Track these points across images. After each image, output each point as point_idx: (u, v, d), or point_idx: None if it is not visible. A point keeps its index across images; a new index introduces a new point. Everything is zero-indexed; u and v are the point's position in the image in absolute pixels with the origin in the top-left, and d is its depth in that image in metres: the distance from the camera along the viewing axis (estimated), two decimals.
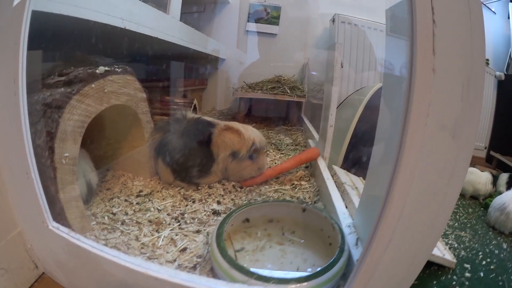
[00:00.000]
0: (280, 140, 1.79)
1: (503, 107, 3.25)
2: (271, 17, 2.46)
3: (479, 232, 1.44)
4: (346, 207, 0.85)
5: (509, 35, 3.14)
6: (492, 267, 1.01)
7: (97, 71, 0.78)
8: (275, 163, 1.37)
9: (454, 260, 0.98)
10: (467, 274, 0.98)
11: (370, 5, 2.60)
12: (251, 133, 1.10)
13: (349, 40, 2.28)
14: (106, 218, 0.87)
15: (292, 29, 2.49)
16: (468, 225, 1.51)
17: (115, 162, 1.15)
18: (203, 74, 2.55)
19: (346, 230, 0.72)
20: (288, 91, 2.00)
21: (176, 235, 0.82)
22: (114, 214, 0.90)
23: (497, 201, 1.74)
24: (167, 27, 1.28)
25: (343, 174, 1.16)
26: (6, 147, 0.65)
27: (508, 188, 2.18)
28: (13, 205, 0.68)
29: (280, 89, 2.03)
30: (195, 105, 1.68)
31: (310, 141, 1.57)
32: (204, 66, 2.46)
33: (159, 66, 2.08)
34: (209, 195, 1.06)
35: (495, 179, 2.26)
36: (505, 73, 3.18)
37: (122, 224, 0.85)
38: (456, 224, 1.46)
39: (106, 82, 0.80)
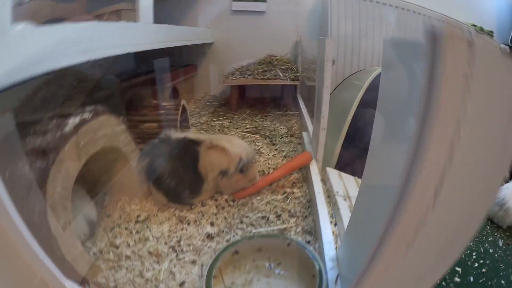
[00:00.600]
0: (274, 130, 1.77)
1: None
2: None
3: None
4: (333, 231, 0.86)
5: None
6: (484, 270, 1.02)
7: (66, 129, 0.76)
8: (268, 163, 1.38)
9: None
10: (457, 279, 0.99)
11: None
12: (238, 148, 1.09)
13: (344, 13, 2.14)
14: (111, 253, 0.92)
15: (281, 3, 2.35)
16: None
17: (110, 187, 1.17)
18: (192, 60, 2.47)
19: (328, 265, 0.73)
20: (281, 74, 1.93)
21: (175, 266, 0.88)
22: (117, 247, 0.95)
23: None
24: (139, 36, 1.22)
25: (336, 179, 1.16)
26: None
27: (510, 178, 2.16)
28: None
29: (272, 73, 1.96)
30: (183, 106, 1.65)
31: (304, 134, 1.55)
32: (191, 53, 2.37)
33: (142, 66, 2.02)
34: (203, 215, 1.09)
35: None
36: (510, 45, 3.01)
37: (126, 259, 0.90)
38: None
39: (80, 136, 0.79)
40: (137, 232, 1.01)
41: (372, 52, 2.24)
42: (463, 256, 1.08)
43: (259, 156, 1.46)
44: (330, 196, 1.10)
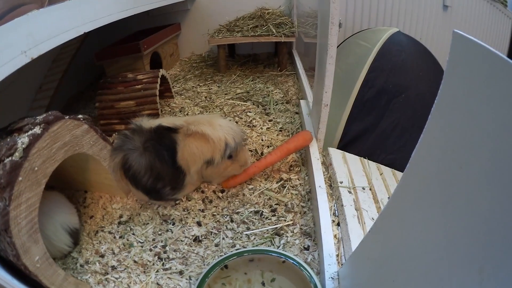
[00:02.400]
0: (268, 95, 1.61)
1: None
2: None
3: None
4: (335, 235, 0.76)
5: None
6: None
7: (16, 154, 0.64)
8: (262, 139, 1.25)
9: None
10: None
11: None
12: (221, 131, 0.95)
13: None
14: (97, 264, 0.87)
15: None
16: None
17: (89, 186, 1.08)
18: (174, 18, 2.22)
19: (328, 284, 0.64)
20: (274, 30, 1.72)
21: (162, 278, 0.82)
22: (102, 256, 0.89)
23: None
24: (94, 10, 1.03)
25: (340, 164, 1.04)
26: None
27: None
28: None
29: (264, 28, 1.74)
30: (163, 76, 1.48)
31: (302, 103, 1.38)
32: (172, 10, 2.12)
33: (117, 33, 1.81)
34: (188, 212, 0.99)
35: None
36: None
37: (113, 270, 0.85)
38: None
39: (32, 159, 0.67)
40: (120, 236, 0.95)
41: (385, 10, 2.05)
42: None
43: (251, 131, 1.33)
44: (332, 186, 0.99)
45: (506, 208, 0.24)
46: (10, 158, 0.63)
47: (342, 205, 0.85)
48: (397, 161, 1.17)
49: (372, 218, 0.84)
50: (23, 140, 0.66)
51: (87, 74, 2.03)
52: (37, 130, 0.69)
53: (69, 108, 1.75)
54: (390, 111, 1.18)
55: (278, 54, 1.89)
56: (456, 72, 0.32)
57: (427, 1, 2.30)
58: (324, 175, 0.98)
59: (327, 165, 1.08)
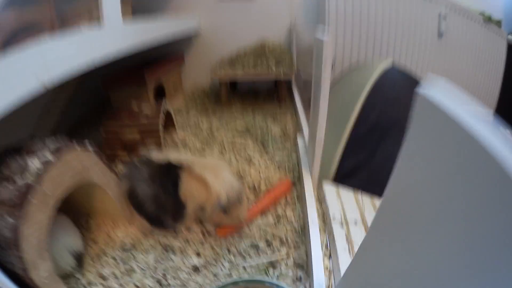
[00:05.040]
0: (267, 131, 1.74)
1: None
2: None
3: None
4: (327, 266, 0.85)
5: None
6: None
7: (29, 177, 0.74)
8: (260, 176, 1.36)
9: None
10: None
11: None
12: (220, 184, 1.04)
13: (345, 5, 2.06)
14: (99, 285, 0.95)
15: None
16: None
17: (94, 212, 1.18)
18: (178, 49, 2.40)
19: None
20: (273, 67, 1.87)
21: None
22: (105, 279, 0.98)
23: None
24: (104, 44, 1.16)
25: (333, 198, 1.14)
26: None
27: None
28: None
29: (264, 65, 1.90)
30: (168, 112, 1.62)
31: (299, 141, 1.51)
32: (177, 42, 2.29)
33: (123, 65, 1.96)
34: (188, 242, 1.09)
35: None
36: None
37: None
38: None
39: (45, 184, 0.77)
40: (123, 262, 1.03)
41: (381, 39, 2.19)
42: None
43: (250, 168, 1.44)
44: (325, 221, 1.09)
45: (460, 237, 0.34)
46: (23, 179, 0.74)
47: (334, 239, 0.95)
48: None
49: None
50: (36, 164, 0.76)
51: (93, 98, 2.17)
52: (50, 157, 0.79)
53: (75, 131, 1.87)
54: (383, 146, 1.30)
55: (278, 89, 2.03)
56: (417, 133, 0.42)
57: (423, 29, 2.44)
58: (317, 210, 1.08)
59: (320, 200, 1.19)
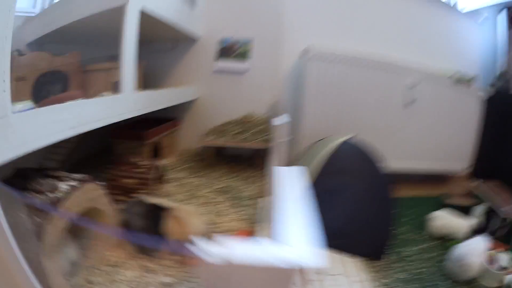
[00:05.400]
0: (242, 191, 2.10)
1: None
2: (240, 52, 2.73)
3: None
4: None
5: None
6: None
7: (59, 194, 1.07)
8: (225, 223, 1.69)
9: None
10: None
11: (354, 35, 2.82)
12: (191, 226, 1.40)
13: (323, 77, 2.47)
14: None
15: (262, 63, 2.76)
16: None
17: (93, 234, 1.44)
18: (177, 114, 2.83)
19: None
20: (252, 138, 2.28)
21: None
22: (91, 283, 1.25)
23: (454, 252, 1.94)
24: (121, 107, 1.55)
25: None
26: None
27: (487, 219, 2.49)
28: None
29: (245, 135, 2.30)
30: (157, 167, 1.97)
31: (260, 201, 1.85)
32: (177, 107, 2.71)
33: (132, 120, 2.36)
34: (162, 266, 1.38)
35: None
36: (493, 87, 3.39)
37: None
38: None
39: (69, 200, 1.09)
40: (109, 274, 1.30)
41: (352, 112, 2.56)
42: None
43: (218, 219, 1.77)
44: None
45: None
46: (53, 194, 1.05)
47: None
48: (344, 246, 1.68)
49: None
50: (64, 186, 1.10)
51: (98, 143, 2.53)
52: (75, 183, 1.13)
53: (80, 167, 2.14)
54: (336, 205, 1.69)
55: (257, 157, 2.42)
56: None
57: (390, 100, 2.72)
58: None
59: None
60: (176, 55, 2.84)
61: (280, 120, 1.46)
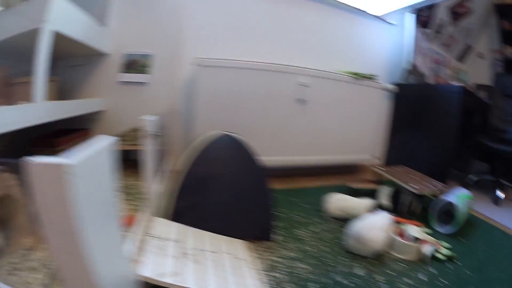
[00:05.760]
0: (136, 185, 2.44)
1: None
2: (142, 66, 3.10)
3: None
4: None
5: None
6: None
7: None
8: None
9: None
10: None
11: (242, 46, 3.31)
12: None
13: (214, 84, 2.88)
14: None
15: (162, 75, 3.15)
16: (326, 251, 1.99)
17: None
18: (86, 125, 3.08)
19: None
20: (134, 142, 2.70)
21: None
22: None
23: (352, 228, 2.02)
24: (31, 114, 1.81)
25: (161, 225, 1.80)
26: None
27: (392, 202, 2.79)
28: None
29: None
30: None
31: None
32: (86, 118, 2.96)
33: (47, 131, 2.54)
34: None
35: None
36: (400, 83, 4.07)
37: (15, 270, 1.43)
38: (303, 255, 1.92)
39: None
40: (25, 257, 1.51)
41: (247, 111, 2.99)
42: None
43: None
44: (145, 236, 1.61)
45: None
46: None
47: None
48: (216, 228, 1.91)
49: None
50: None
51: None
52: None
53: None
54: (207, 193, 1.92)
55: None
56: None
57: (285, 98, 3.14)
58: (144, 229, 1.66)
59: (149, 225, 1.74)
60: (89, 69, 3.10)
61: (150, 121, 1.80)
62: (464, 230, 2.65)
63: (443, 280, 1.86)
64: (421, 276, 1.88)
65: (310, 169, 3.73)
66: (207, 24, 3.28)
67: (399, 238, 2.07)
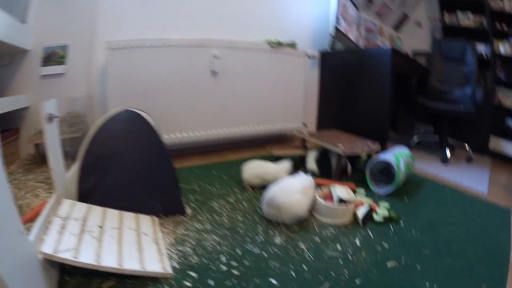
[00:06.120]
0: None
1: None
2: (59, 57, 3.07)
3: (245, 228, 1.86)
4: None
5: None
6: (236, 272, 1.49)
7: None
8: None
9: (169, 271, 1.45)
10: (188, 284, 1.39)
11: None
12: None
13: (125, 66, 2.90)
14: None
15: (79, 63, 3.13)
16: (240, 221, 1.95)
17: None
18: (14, 124, 3.05)
19: None
20: (67, 128, 2.70)
21: None
22: None
23: (266, 194, 1.93)
24: None
25: (67, 206, 1.87)
26: None
27: (318, 166, 2.76)
28: None
29: (64, 127, 2.70)
30: None
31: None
32: (12, 117, 2.94)
33: None
34: None
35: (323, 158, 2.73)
36: (329, 50, 4.20)
37: None
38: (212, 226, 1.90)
39: None
40: None
41: (162, 87, 3.02)
42: (208, 261, 1.56)
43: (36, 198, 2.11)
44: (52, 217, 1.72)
45: None
46: None
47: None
48: (124, 206, 1.91)
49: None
50: None
51: None
52: None
53: None
54: (111, 171, 1.89)
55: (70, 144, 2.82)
56: None
57: (198, 72, 3.15)
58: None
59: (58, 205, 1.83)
60: (14, 68, 3.06)
61: (49, 104, 1.82)
62: (410, 190, 2.65)
63: (384, 244, 1.78)
64: (355, 240, 1.81)
65: (238, 142, 3.74)
66: (120, 6, 3.25)
67: (323, 201, 1.94)
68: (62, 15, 3.09)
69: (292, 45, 3.66)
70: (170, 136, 3.16)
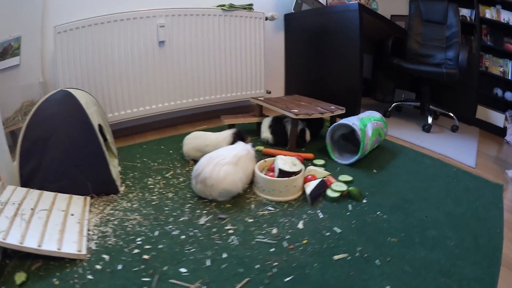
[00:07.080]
0: None
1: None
2: (14, 49, 3.08)
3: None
4: None
5: None
6: (146, 257, 1.43)
7: None
8: None
9: (82, 253, 1.45)
10: (98, 267, 1.35)
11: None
12: None
13: (73, 47, 2.91)
14: None
15: (31, 53, 3.14)
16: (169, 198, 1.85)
17: None
18: None
19: None
20: (20, 117, 2.77)
21: None
22: None
23: (194, 169, 1.79)
24: None
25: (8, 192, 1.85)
26: None
27: (272, 133, 2.67)
28: None
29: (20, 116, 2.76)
30: None
31: None
32: None
33: None
34: None
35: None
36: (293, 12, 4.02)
37: None
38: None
39: None
40: None
41: (112, 61, 2.99)
42: (120, 243, 1.53)
43: None
44: None
45: None
46: None
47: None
48: (60, 188, 1.92)
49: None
50: None
51: None
52: None
53: None
54: (47, 151, 1.90)
55: None
56: None
57: (146, 42, 3.07)
58: None
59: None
60: None
61: None
62: (382, 161, 2.38)
63: (336, 229, 1.46)
64: (298, 223, 1.53)
65: (197, 114, 3.60)
66: None
67: (260, 173, 1.74)
68: (11, 7, 3.05)
69: (249, 7, 3.43)
70: (121, 113, 3.12)
